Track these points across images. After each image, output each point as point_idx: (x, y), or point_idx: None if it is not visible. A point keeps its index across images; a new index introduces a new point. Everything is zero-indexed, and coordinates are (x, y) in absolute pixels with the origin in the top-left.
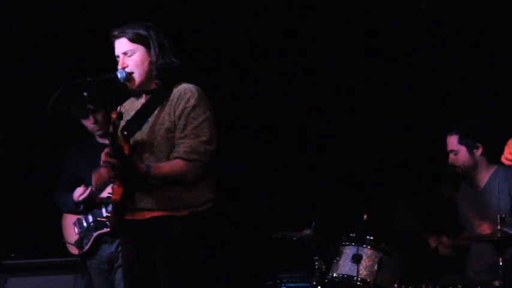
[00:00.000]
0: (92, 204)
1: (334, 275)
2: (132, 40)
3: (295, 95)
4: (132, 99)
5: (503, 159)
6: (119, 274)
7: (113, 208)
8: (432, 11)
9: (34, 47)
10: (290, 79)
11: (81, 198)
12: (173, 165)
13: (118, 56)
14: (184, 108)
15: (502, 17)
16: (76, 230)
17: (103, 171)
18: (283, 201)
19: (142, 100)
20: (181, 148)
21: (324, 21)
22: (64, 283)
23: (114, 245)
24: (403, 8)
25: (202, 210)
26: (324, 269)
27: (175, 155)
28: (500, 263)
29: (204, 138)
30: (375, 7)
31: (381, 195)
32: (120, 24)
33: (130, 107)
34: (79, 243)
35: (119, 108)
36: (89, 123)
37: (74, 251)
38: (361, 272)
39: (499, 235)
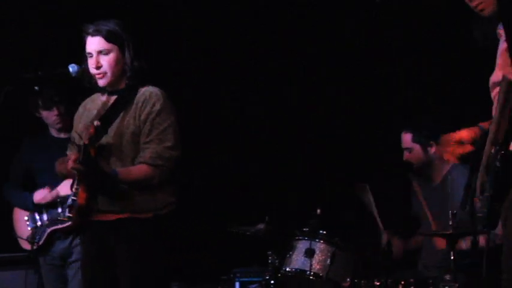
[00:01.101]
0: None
1: (287, 269)
2: (107, 39)
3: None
4: (94, 96)
5: (445, 154)
6: (71, 270)
7: (77, 211)
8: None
9: (34, 47)
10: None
11: (43, 201)
12: (139, 170)
13: (90, 53)
14: (149, 113)
15: None
16: (29, 225)
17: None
18: (236, 195)
19: (104, 99)
20: (147, 153)
21: (324, 21)
22: (14, 279)
23: (68, 241)
24: (403, 8)
25: (164, 213)
26: (277, 264)
27: (141, 159)
28: (452, 257)
29: (168, 144)
30: (374, 7)
31: (334, 190)
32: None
33: (92, 105)
34: (31, 239)
35: (96, 122)
36: (51, 115)
37: (26, 246)
38: (314, 267)
39: (450, 230)
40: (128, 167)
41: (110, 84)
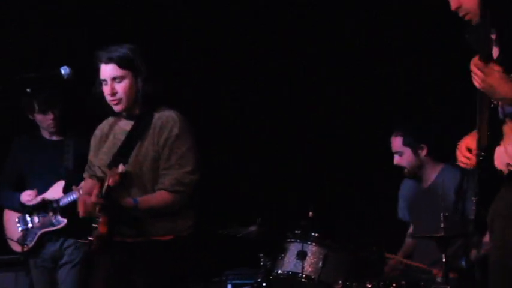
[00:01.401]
0: (38, 205)
1: (279, 271)
2: (121, 66)
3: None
4: (110, 119)
5: (460, 163)
6: (62, 272)
7: (98, 239)
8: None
9: (34, 47)
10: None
11: (29, 203)
12: (159, 197)
13: (104, 80)
14: (167, 138)
15: None
16: (19, 227)
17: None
18: (228, 197)
19: (121, 124)
20: (167, 180)
21: (324, 21)
22: (4, 281)
23: (58, 243)
24: (403, 8)
25: (184, 235)
26: (269, 266)
27: (161, 186)
28: (443, 260)
29: (188, 168)
30: (375, 7)
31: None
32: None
33: (109, 130)
34: (22, 241)
35: (121, 168)
36: (46, 119)
37: (16, 247)
38: (306, 269)
39: (442, 233)
40: (148, 195)
41: (125, 110)
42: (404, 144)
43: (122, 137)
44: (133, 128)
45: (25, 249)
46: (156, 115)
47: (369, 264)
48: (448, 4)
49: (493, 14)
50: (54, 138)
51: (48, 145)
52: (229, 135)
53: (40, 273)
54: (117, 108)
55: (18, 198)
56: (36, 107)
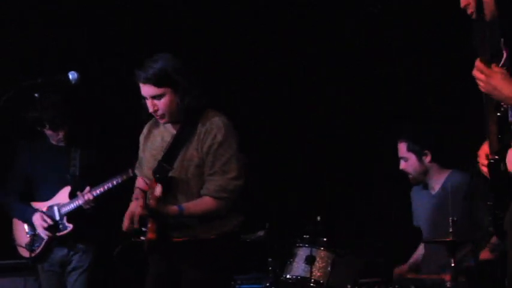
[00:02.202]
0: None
1: (288, 276)
2: (158, 85)
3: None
4: (152, 123)
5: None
6: (71, 278)
7: (148, 244)
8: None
9: (34, 47)
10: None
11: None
12: (204, 204)
13: (145, 98)
14: (211, 145)
15: None
16: (27, 232)
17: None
18: None
19: (168, 126)
20: (211, 186)
21: (324, 22)
22: (13, 286)
23: (66, 248)
24: (403, 8)
25: (229, 231)
26: (277, 271)
27: (206, 192)
28: (452, 264)
29: (233, 175)
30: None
31: (334, 197)
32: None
33: (156, 130)
34: (29, 246)
35: (158, 191)
36: (57, 135)
37: (24, 253)
38: (314, 274)
39: (450, 237)
40: (193, 202)
41: (169, 122)
42: (409, 150)
43: (169, 140)
44: (178, 134)
45: (33, 255)
46: (202, 120)
47: (377, 268)
48: (448, 4)
49: (501, 14)
50: (61, 143)
51: (55, 151)
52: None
53: (48, 277)
54: (161, 122)
55: (30, 214)
56: (47, 125)
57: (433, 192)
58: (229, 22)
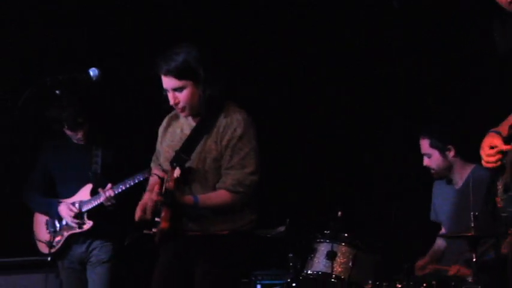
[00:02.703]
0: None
1: (309, 272)
2: (179, 77)
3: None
4: (172, 116)
5: (484, 164)
6: (91, 271)
7: (160, 234)
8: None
9: (34, 47)
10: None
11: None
12: (219, 196)
13: (167, 90)
14: (230, 139)
15: None
16: (48, 229)
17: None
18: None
19: (188, 119)
20: (228, 180)
21: (324, 21)
22: (35, 282)
23: (85, 245)
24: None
25: (243, 229)
26: (298, 266)
27: (222, 185)
28: (474, 259)
29: (250, 169)
30: (375, 7)
31: (355, 192)
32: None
33: (175, 123)
34: (49, 243)
35: (176, 172)
36: (77, 134)
37: (44, 249)
38: (335, 269)
39: (472, 232)
40: (209, 194)
41: (191, 114)
42: (432, 146)
43: (188, 133)
44: (198, 126)
45: (52, 251)
46: (222, 114)
47: (398, 264)
48: (447, 5)
49: None
50: (81, 142)
51: (76, 149)
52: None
53: (68, 274)
54: (183, 115)
55: (56, 208)
56: (66, 126)
57: (457, 187)
58: (229, 22)
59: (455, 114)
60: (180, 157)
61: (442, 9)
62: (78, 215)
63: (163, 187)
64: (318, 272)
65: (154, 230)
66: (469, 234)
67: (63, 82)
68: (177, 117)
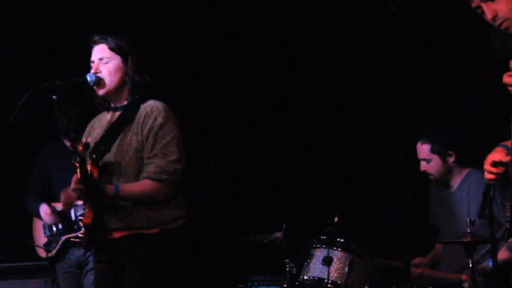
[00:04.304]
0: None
1: (305, 277)
2: (111, 48)
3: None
4: (101, 115)
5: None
6: (88, 278)
7: (85, 231)
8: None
9: (34, 47)
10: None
11: (46, 221)
12: (143, 185)
13: (93, 61)
14: (151, 127)
15: None
16: (45, 233)
17: (71, 192)
18: (253, 203)
19: (109, 117)
20: (151, 168)
21: (324, 21)
22: (34, 287)
23: (82, 249)
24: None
25: (172, 227)
26: (294, 272)
27: (145, 175)
28: (470, 265)
29: (173, 157)
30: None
31: (351, 197)
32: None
33: (98, 124)
34: (47, 247)
35: (84, 139)
36: (67, 143)
37: (43, 253)
38: (332, 275)
39: (468, 238)
40: (132, 183)
41: (108, 93)
42: (432, 151)
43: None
44: (118, 118)
45: (49, 255)
46: (142, 106)
47: (395, 269)
48: (448, 5)
49: None
50: (72, 150)
51: (71, 153)
52: (254, 142)
53: (66, 279)
54: (100, 92)
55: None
56: (72, 135)
57: (452, 191)
58: (229, 22)
59: (453, 120)
60: (99, 148)
61: (442, 9)
62: (69, 223)
63: (78, 171)
64: (314, 277)
65: (80, 234)
66: (465, 240)
67: (60, 87)
68: (98, 120)
